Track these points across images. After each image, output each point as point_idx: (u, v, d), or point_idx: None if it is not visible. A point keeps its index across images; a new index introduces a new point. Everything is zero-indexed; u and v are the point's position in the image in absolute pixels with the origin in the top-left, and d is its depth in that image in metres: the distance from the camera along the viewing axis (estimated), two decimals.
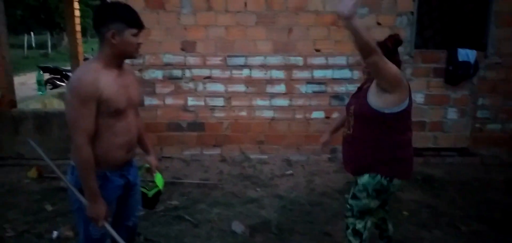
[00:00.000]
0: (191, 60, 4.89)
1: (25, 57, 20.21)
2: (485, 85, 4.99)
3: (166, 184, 2.61)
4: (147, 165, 2.36)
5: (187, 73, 4.92)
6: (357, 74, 4.79)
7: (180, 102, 4.99)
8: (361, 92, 2.40)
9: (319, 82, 4.91)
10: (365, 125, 2.31)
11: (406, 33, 4.82)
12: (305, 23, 4.76)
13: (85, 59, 9.04)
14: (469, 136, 5.12)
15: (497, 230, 3.44)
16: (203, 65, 4.91)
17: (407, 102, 2.24)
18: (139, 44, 1.94)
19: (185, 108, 5.01)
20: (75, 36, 7.58)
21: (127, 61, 2.02)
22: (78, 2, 7.67)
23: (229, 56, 4.88)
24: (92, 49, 11.72)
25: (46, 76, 10.42)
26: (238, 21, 4.78)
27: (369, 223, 2.51)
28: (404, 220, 3.65)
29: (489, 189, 4.36)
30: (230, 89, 4.98)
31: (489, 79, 4.98)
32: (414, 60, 4.89)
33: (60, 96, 7.25)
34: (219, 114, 5.04)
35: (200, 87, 4.96)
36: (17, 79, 5.55)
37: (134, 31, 1.89)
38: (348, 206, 2.52)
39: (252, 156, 5.08)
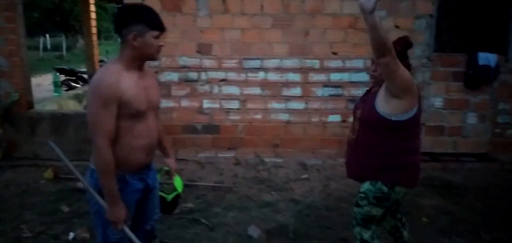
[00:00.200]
0: (207, 62, 4.88)
1: (40, 58, 20.48)
2: (506, 90, 4.89)
3: None
4: (166, 168, 2.34)
5: (203, 76, 4.91)
6: None
7: (195, 104, 4.98)
8: (369, 95, 2.31)
9: (336, 85, 4.85)
10: (370, 130, 2.24)
11: (425, 37, 4.74)
12: (322, 25, 4.71)
13: (100, 61, 9.11)
14: (489, 141, 5.01)
15: None
16: (219, 68, 4.89)
17: (415, 109, 2.15)
18: (160, 46, 1.93)
19: (200, 110, 5.00)
20: (91, 38, 7.65)
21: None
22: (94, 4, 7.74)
23: (244, 58, 4.86)
24: (107, 51, 11.83)
25: (62, 77, 10.54)
26: (254, 24, 4.75)
27: (376, 233, 2.42)
28: (423, 226, 3.57)
29: (510, 195, 4.25)
30: (245, 92, 4.95)
31: (510, 83, 4.87)
32: (433, 63, 4.81)
33: (76, 97, 7.32)
34: (234, 116, 5.02)
35: (216, 89, 4.95)
36: (33, 81, 5.60)
37: (156, 33, 1.87)
38: (353, 214, 2.45)
39: (267, 160, 5.04)
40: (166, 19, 4.62)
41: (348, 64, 4.78)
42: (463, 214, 3.79)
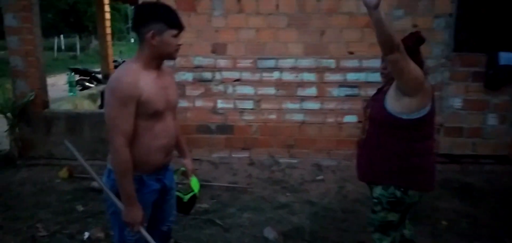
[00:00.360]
0: (221, 62, 4.84)
1: (55, 59, 20.75)
2: None
3: None
4: (183, 169, 2.31)
5: (217, 76, 4.88)
6: None
7: (209, 104, 4.96)
8: (380, 94, 2.22)
9: (352, 85, 4.77)
10: (380, 130, 2.14)
11: (444, 36, 4.64)
12: (338, 25, 4.64)
13: (114, 61, 9.16)
14: (509, 143, 4.87)
15: None
16: (233, 68, 4.86)
17: (428, 108, 2.05)
18: (178, 46, 1.90)
19: (214, 110, 4.97)
20: (105, 39, 7.71)
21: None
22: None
23: (259, 58, 4.81)
24: (120, 52, 11.89)
25: (76, 77, 10.62)
26: (269, 23, 4.70)
27: (396, 239, 2.33)
28: (443, 230, 3.48)
29: None
30: (259, 92, 4.91)
31: None
32: (452, 63, 4.70)
33: (90, 97, 7.36)
34: (248, 117, 4.98)
35: (230, 89, 4.91)
36: (48, 80, 5.64)
37: (174, 32, 1.84)
38: (370, 220, 2.36)
39: (281, 160, 4.98)
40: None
41: (365, 63, 4.70)
42: (484, 218, 3.68)
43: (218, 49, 4.82)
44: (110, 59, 8.23)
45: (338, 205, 3.96)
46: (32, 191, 4.30)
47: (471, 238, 3.34)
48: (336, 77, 4.77)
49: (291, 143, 4.99)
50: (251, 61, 4.83)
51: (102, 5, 7.73)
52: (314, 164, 4.93)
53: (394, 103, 2.05)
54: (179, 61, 4.80)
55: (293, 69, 4.81)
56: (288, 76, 4.83)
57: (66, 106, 6.29)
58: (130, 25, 43.46)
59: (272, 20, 4.70)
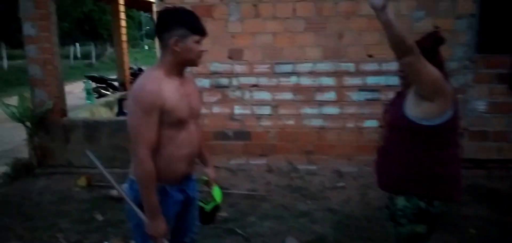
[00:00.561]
0: (238, 68, 4.80)
1: (71, 67, 21.05)
2: None
3: None
4: (205, 178, 2.25)
5: (234, 82, 4.84)
6: None
7: (226, 110, 4.91)
8: (399, 99, 2.07)
9: (372, 89, 4.67)
10: (399, 137, 2.01)
11: (466, 37, 4.50)
12: (357, 27, 4.55)
13: (130, 68, 9.20)
14: None
15: None
16: (250, 73, 4.80)
17: (450, 113, 1.90)
18: (201, 52, 1.84)
19: (231, 117, 4.92)
20: (121, 46, 7.75)
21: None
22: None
23: (276, 63, 4.75)
24: (135, 59, 11.97)
25: (92, 85, 10.73)
26: (286, 28, 4.64)
27: None
28: (471, 238, 3.35)
29: None
30: (277, 97, 4.84)
31: None
32: (476, 65, 4.56)
33: (107, 104, 7.39)
34: (265, 123, 4.91)
35: (247, 95, 4.86)
36: (64, 88, 5.66)
37: (197, 37, 1.80)
38: (396, 234, 2.18)
39: (300, 167, 4.89)
40: None
41: (385, 67, 4.59)
42: None
43: (234, 55, 4.77)
44: (127, 66, 8.27)
45: (361, 213, 3.85)
46: (51, 200, 4.30)
47: None
48: (356, 81, 4.67)
49: (310, 149, 4.90)
50: (268, 66, 4.77)
51: (118, 13, 7.78)
52: (334, 170, 4.83)
53: (413, 109, 1.92)
54: (195, 67, 4.76)
55: (311, 73, 4.73)
56: (306, 81, 4.75)
57: (83, 114, 6.32)
58: (144, 32, 44.04)
59: (289, 24, 4.64)
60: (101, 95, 9.99)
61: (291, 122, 4.88)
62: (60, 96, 5.25)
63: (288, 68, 4.75)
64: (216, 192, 2.26)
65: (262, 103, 4.87)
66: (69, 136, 5.19)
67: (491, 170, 4.68)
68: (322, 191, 4.38)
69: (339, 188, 4.45)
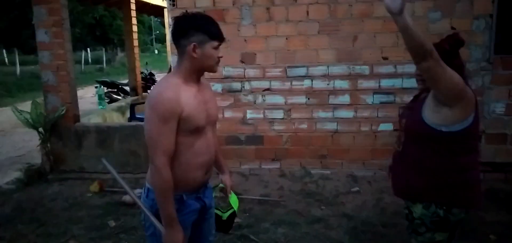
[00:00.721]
0: (251, 72, 4.75)
1: (82, 72, 21.25)
2: None
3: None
4: (222, 185, 2.20)
5: (246, 86, 4.79)
6: None
7: (239, 115, 4.87)
8: (417, 103, 2.00)
9: (387, 92, 4.58)
10: (417, 143, 1.93)
11: (484, 38, 4.40)
12: (372, 30, 4.47)
13: (141, 72, 9.22)
14: None
15: None
16: (263, 77, 4.75)
17: (471, 118, 1.83)
18: (219, 58, 1.80)
19: (244, 121, 4.88)
20: (133, 51, 7.77)
21: None
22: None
23: (289, 67, 4.69)
24: (146, 63, 12.01)
25: (104, 90, 10.78)
26: (299, 31, 4.58)
27: None
28: None
29: None
30: (290, 101, 4.78)
31: None
32: (494, 66, 4.44)
33: (119, 109, 7.40)
34: (278, 127, 4.85)
35: (259, 99, 4.81)
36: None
37: (215, 44, 1.75)
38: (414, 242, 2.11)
39: (313, 171, 4.82)
40: None
41: (400, 69, 4.50)
42: None
43: (247, 59, 4.73)
44: (138, 71, 8.28)
45: (377, 219, 3.77)
46: (64, 206, 4.29)
47: None
48: (370, 83, 4.59)
49: (323, 153, 4.83)
50: (280, 69, 4.71)
51: (129, 18, 7.81)
52: (348, 175, 4.75)
53: (432, 114, 1.85)
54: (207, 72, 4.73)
55: (325, 76, 4.67)
56: (319, 84, 4.69)
57: (95, 119, 6.33)
58: (154, 36, 44.35)
59: (302, 27, 4.58)
60: (112, 100, 10.03)
61: (304, 126, 4.81)
62: (73, 102, 5.26)
63: (301, 71, 4.69)
64: (233, 200, 2.22)
65: (274, 107, 4.81)
66: (82, 141, 5.19)
67: (509, 173, 4.57)
68: (337, 196, 4.30)
69: (353, 193, 4.37)
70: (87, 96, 12.90)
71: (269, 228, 3.63)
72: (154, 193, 1.76)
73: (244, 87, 4.81)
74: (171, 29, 1.81)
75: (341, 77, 4.64)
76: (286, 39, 4.63)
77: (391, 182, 2.20)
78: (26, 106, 6.04)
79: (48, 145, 5.17)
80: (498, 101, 4.51)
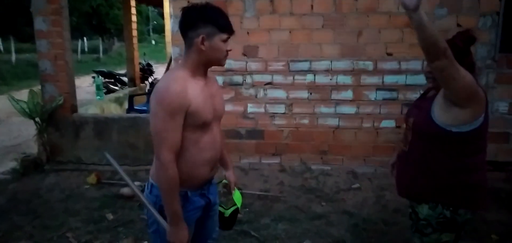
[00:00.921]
0: (253, 65, 4.68)
1: (78, 61, 21.02)
2: None
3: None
4: (225, 181, 2.15)
5: (248, 79, 4.72)
6: None
7: (239, 108, 4.80)
8: (425, 101, 1.95)
9: (391, 88, 4.52)
10: (425, 143, 1.89)
11: (490, 36, 4.34)
12: (376, 25, 4.40)
13: (139, 63, 9.10)
14: None
15: None
16: (265, 71, 4.68)
17: (481, 118, 1.78)
18: (228, 51, 1.73)
19: (244, 115, 4.81)
20: (131, 41, 7.67)
21: None
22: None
23: (292, 61, 4.62)
24: (144, 54, 11.88)
25: (102, 80, 10.65)
26: (303, 24, 4.51)
27: None
28: None
29: None
30: (291, 96, 4.71)
31: None
32: (499, 65, 4.40)
33: (117, 100, 7.30)
34: (279, 121, 4.79)
35: (261, 93, 4.74)
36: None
37: (225, 36, 1.69)
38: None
39: (314, 167, 4.77)
40: None
41: (404, 65, 4.44)
42: None
43: (249, 52, 4.65)
44: (136, 61, 8.18)
45: (378, 216, 3.73)
46: (60, 198, 4.22)
47: None
48: (374, 79, 4.53)
49: (324, 149, 4.78)
50: (283, 63, 4.64)
51: (128, 8, 7.69)
52: (349, 171, 4.71)
53: (442, 114, 1.80)
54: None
55: (328, 71, 4.60)
56: (322, 79, 4.62)
57: (93, 110, 6.23)
58: (151, 27, 44.01)
59: (306, 20, 4.50)
60: (110, 91, 9.91)
61: (305, 121, 4.75)
62: (71, 92, 5.16)
63: (304, 65, 4.62)
64: (237, 196, 2.16)
65: (276, 101, 4.75)
66: (79, 132, 5.10)
67: (511, 173, 4.53)
68: (337, 193, 4.26)
69: (354, 189, 4.33)
70: (84, 86, 12.75)
71: (270, 224, 3.59)
72: (159, 189, 1.70)
73: (245, 80, 4.73)
74: (178, 20, 1.74)
75: (345, 72, 4.57)
76: (290, 32, 4.56)
77: (395, 182, 2.16)
78: (21, 94, 5.95)
79: (45, 135, 5.08)
80: (501, 100, 4.47)
